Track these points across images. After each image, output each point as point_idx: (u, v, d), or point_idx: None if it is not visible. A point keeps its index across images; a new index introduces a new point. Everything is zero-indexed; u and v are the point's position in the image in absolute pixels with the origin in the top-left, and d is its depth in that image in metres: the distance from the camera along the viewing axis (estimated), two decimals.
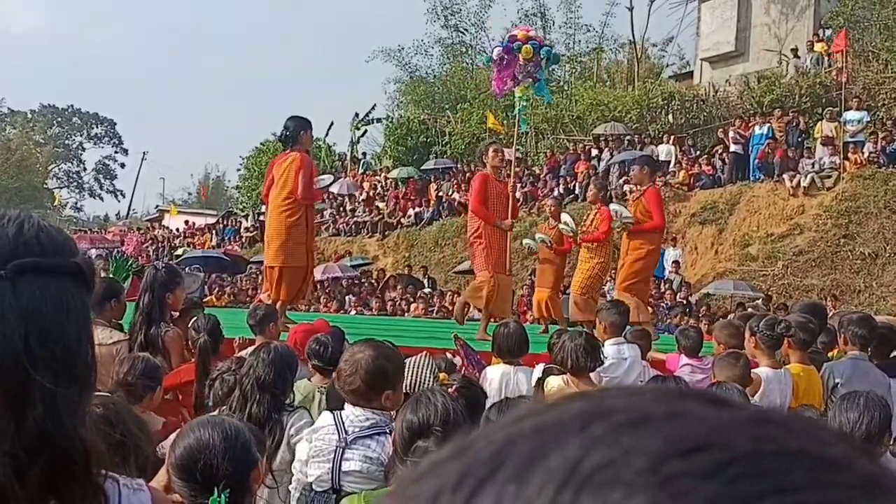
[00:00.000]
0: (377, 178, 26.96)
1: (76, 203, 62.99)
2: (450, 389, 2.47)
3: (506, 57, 8.35)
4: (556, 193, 19.75)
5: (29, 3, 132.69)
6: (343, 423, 2.69)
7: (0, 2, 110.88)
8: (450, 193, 23.10)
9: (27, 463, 0.86)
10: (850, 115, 16.98)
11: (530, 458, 0.35)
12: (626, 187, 16.36)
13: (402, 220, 23.32)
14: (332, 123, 32.52)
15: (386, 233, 23.27)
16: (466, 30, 34.25)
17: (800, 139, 17.79)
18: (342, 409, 2.75)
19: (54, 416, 0.88)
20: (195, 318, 4.58)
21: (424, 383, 3.13)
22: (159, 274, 4.50)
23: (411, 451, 2.11)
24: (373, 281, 19.21)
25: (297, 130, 7.34)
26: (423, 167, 26.42)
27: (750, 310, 10.50)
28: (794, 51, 21.38)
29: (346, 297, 16.62)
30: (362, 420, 2.68)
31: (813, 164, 16.68)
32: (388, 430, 2.62)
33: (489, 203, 7.74)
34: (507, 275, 7.97)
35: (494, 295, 7.66)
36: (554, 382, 4.24)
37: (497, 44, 9.01)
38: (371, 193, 25.55)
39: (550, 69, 9.66)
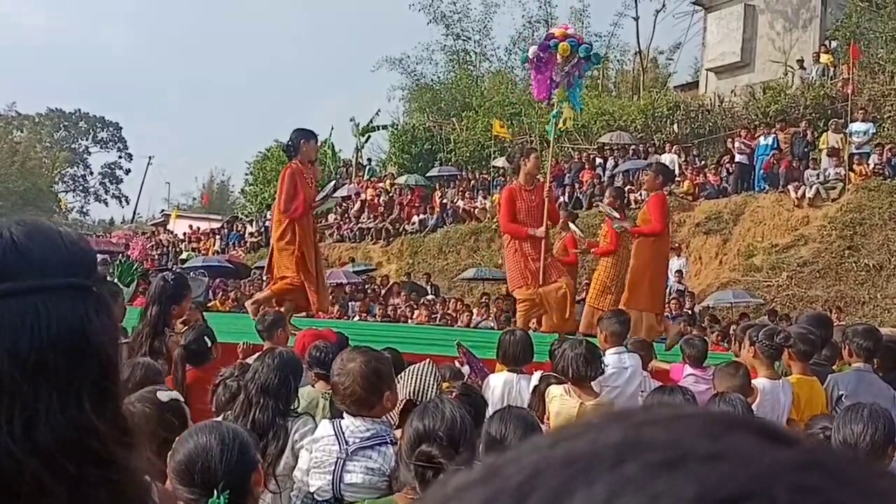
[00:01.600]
0: (382, 184, 27.00)
1: (82, 207, 63.25)
2: (450, 396, 2.47)
3: (542, 55, 7.96)
4: (560, 201, 19.78)
5: (36, 5, 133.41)
6: (343, 434, 2.68)
7: (8, 4, 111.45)
8: (454, 201, 23.13)
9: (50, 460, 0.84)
10: (857, 126, 16.97)
11: (555, 495, 0.33)
12: (630, 196, 16.36)
13: (407, 226, 23.34)
14: (332, 128, 32.57)
15: (390, 239, 23.29)
16: (469, 37, 34.37)
17: (805, 150, 17.78)
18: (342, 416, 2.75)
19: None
20: (185, 330, 4.61)
21: (428, 390, 3.13)
22: (167, 286, 4.52)
23: (414, 455, 2.11)
24: (376, 287, 19.22)
25: (297, 140, 7.46)
26: (427, 174, 26.46)
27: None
28: (800, 62, 21.38)
29: (350, 304, 16.63)
30: (362, 430, 2.67)
31: (818, 175, 16.67)
32: (388, 440, 2.61)
33: (518, 216, 7.60)
34: (551, 282, 7.56)
35: (538, 309, 7.51)
36: (555, 391, 4.24)
37: (533, 44, 8.45)
38: (375, 200, 25.57)
39: (590, 71, 9.00)
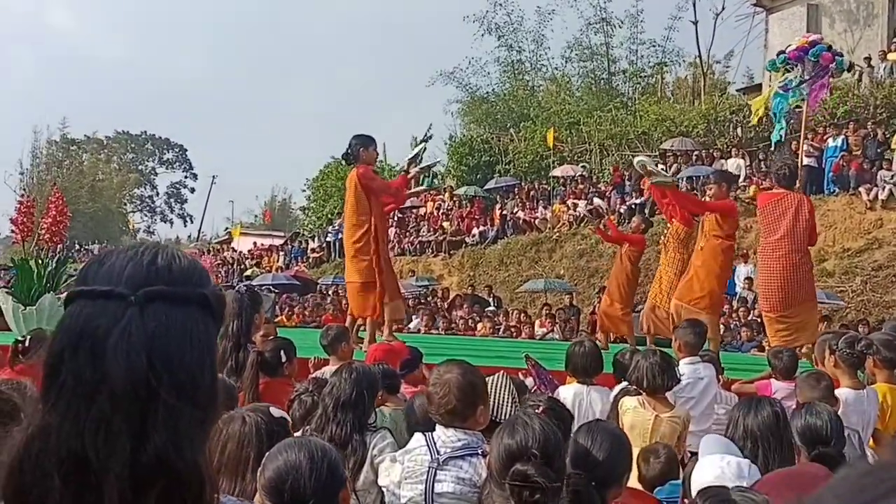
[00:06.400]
0: (441, 196, 27.06)
1: (148, 227, 65.01)
2: (537, 410, 2.44)
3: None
4: (622, 210, 19.53)
5: (111, 34, 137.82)
6: (435, 444, 2.69)
7: (82, 35, 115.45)
8: (514, 211, 23.03)
9: (142, 488, 0.87)
10: None
11: None
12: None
13: (467, 238, 23.33)
14: (384, 145, 32.83)
15: (451, 252, 23.31)
16: (522, 49, 34.22)
17: (878, 151, 17.21)
18: (433, 430, 2.75)
19: (175, 442, 0.89)
20: (265, 342, 4.68)
21: (503, 404, 3.11)
22: (244, 298, 4.59)
23: (509, 474, 2.08)
24: (438, 300, 19.25)
25: (357, 147, 7.58)
26: (486, 186, 26.42)
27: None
28: (868, 59, 20.76)
29: (413, 317, 16.67)
30: (454, 441, 2.67)
31: (892, 176, 16.11)
32: (479, 451, 2.60)
33: None
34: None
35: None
36: (628, 403, 4.17)
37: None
38: (435, 212, 25.64)
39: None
